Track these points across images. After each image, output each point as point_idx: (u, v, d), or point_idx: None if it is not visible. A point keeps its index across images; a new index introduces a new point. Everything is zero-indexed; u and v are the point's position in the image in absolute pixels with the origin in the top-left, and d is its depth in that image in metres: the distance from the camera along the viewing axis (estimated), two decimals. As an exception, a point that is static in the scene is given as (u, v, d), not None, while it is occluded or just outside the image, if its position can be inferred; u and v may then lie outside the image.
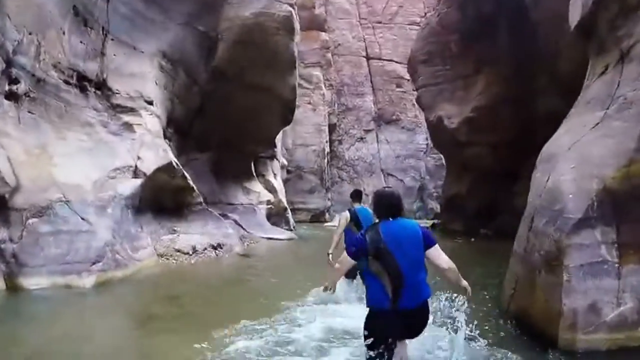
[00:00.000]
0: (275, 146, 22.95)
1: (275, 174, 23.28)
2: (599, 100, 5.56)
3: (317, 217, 31.81)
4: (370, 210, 5.95)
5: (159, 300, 7.68)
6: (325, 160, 33.70)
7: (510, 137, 20.60)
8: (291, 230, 21.74)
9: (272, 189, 21.72)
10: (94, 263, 8.25)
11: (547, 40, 16.44)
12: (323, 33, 36.47)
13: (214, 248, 12.08)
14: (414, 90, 34.45)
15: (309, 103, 33.76)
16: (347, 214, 7.33)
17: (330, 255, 7.01)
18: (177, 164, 11.60)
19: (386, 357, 3.70)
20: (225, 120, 17.71)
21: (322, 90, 34.59)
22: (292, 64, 17.94)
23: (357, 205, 7.52)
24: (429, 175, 38.52)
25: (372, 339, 3.76)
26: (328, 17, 38.76)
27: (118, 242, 9.04)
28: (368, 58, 40.70)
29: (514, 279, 6.37)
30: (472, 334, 4.78)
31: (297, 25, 17.90)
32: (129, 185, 9.97)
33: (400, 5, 41.36)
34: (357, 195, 7.80)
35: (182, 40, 15.03)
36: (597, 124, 5.51)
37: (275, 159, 23.69)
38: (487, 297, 7.49)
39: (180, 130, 15.90)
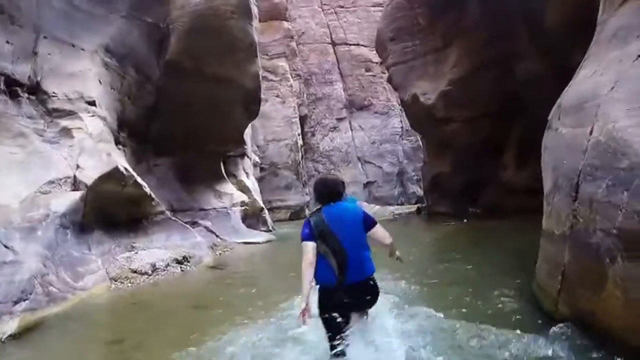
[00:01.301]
0: (244, 143, 21.55)
1: (247, 173, 21.90)
2: (632, 29, 4.36)
3: (297, 214, 30.47)
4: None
5: (92, 349, 6.01)
6: (300, 154, 32.44)
7: (490, 108, 19.65)
8: (270, 231, 20.45)
9: (245, 189, 20.35)
10: (17, 302, 6.51)
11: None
12: (285, 22, 35.20)
13: (179, 262, 10.62)
14: (383, 72, 33.78)
15: (277, 96, 32.50)
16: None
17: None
18: (126, 169, 10.12)
19: (342, 329, 3.94)
20: (185, 119, 16.31)
21: (290, 82, 33.31)
22: (253, 50, 16.57)
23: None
24: (407, 158, 37.85)
25: (326, 315, 3.97)
26: (289, 6, 37.51)
27: (52, 270, 7.43)
28: (334, 44, 39.66)
29: (559, 270, 4.89)
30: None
31: (254, 9, 16.60)
32: (66, 200, 8.43)
33: (362, -13, 40.19)
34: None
35: (127, 33, 13.62)
36: (640, 55, 4.29)
37: (246, 157, 22.29)
38: (518, 289, 6.41)
39: (137, 134, 14.44)
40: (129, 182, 10.08)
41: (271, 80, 32.56)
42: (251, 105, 18.07)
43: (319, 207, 4.15)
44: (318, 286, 4.01)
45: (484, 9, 19.12)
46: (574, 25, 10.44)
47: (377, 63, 37.53)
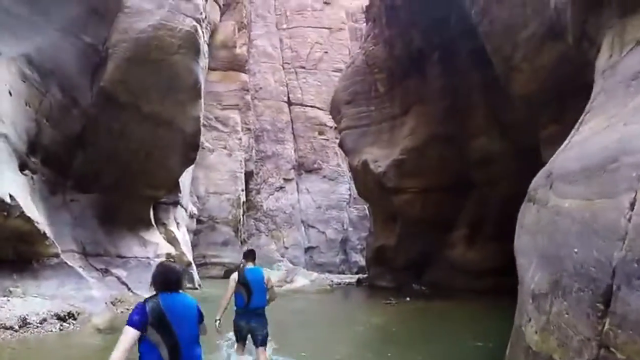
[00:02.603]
0: (179, 191, 19.91)
1: (178, 223, 20.13)
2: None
3: (232, 272, 28.32)
4: (263, 271, 7.00)
5: None
6: (241, 210, 30.83)
7: (442, 182, 18.95)
8: (195, 289, 18.53)
9: (174, 241, 18.57)
10: None
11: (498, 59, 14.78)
12: (243, 74, 34.34)
13: (61, 319, 8.66)
14: (336, 138, 33.25)
15: (225, 147, 31.21)
16: (235, 276, 6.87)
17: (218, 322, 6.57)
18: (12, 197, 8.39)
19: None
20: (116, 156, 14.76)
21: (240, 135, 32.14)
22: (196, 91, 15.31)
23: (249, 265, 6.99)
24: (352, 226, 37.00)
25: None
26: (250, 60, 37.06)
27: None
28: (290, 104, 39.08)
29: None
30: None
31: (204, 46, 15.42)
32: None
33: (325, 51, 40.32)
34: (249, 255, 7.22)
35: (57, 48, 12.25)
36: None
37: (179, 206, 20.59)
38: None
39: (54, 162, 12.68)
40: (13, 214, 8.31)
41: (221, 131, 31.49)
42: (189, 152, 16.61)
43: (154, 294, 3.87)
44: None
45: (445, 79, 18.77)
46: (545, 95, 9.70)
47: (331, 127, 37.19)
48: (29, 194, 10.40)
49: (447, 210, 19.01)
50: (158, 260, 16.18)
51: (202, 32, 14.79)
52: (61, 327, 8.62)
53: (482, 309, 13.94)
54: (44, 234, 9.62)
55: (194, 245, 27.41)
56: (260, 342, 6.64)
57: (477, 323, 11.51)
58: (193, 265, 19.91)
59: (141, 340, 3.71)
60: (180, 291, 3.96)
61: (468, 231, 18.26)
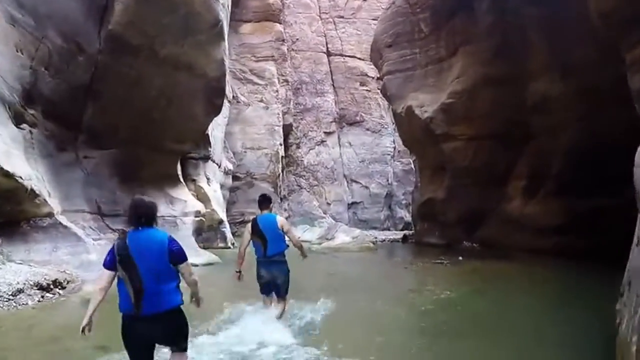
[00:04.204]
0: (209, 145, 18.61)
1: (209, 179, 18.91)
2: None
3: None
4: (276, 216, 6.75)
5: None
6: (280, 166, 29.56)
7: (496, 128, 17.04)
8: (229, 247, 17.44)
9: (204, 198, 17.40)
10: None
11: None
12: (278, 24, 32.44)
13: (44, 288, 7.41)
14: (378, 89, 31.40)
15: (261, 101, 29.74)
16: (249, 226, 6.69)
17: (239, 275, 6.52)
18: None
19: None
20: (132, 107, 13.47)
21: (276, 87, 30.52)
22: (217, 30, 13.70)
23: (264, 212, 6.74)
24: (397, 181, 35.88)
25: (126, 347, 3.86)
26: (286, 11, 35.22)
27: None
28: (329, 54, 37.20)
29: None
30: None
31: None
32: None
33: (364, -1, 37.88)
34: (262, 201, 6.91)
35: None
36: None
37: (210, 161, 19.32)
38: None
39: (60, 115, 11.45)
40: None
41: (256, 83, 30.01)
42: (214, 98, 15.12)
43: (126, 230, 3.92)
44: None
45: (496, 16, 16.58)
46: (633, 8, 7.70)
47: (373, 78, 35.54)
48: (24, 150, 9.23)
49: (501, 160, 17.17)
50: (186, 219, 15.15)
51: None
52: (41, 299, 7.36)
53: (552, 272, 12.21)
54: (32, 191, 8.39)
55: (232, 203, 26.54)
56: (280, 290, 6.55)
57: (554, 290, 9.89)
58: (226, 223, 18.76)
59: (118, 279, 3.79)
60: (154, 227, 3.92)
61: (527, 183, 16.37)
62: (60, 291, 7.67)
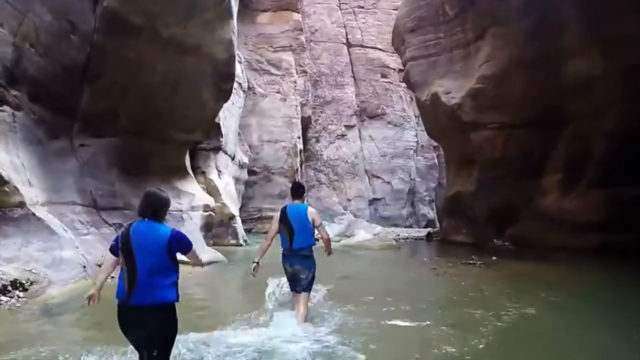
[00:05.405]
0: (221, 135, 17.55)
1: (220, 172, 17.84)
2: None
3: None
4: (308, 207, 6.33)
5: None
6: (298, 159, 28.51)
7: (529, 115, 15.71)
8: (241, 245, 16.36)
9: (214, 191, 16.35)
10: None
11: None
12: (296, 14, 31.45)
13: (0, 291, 6.35)
14: (400, 81, 30.17)
15: (278, 92, 28.74)
16: (277, 215, 6.28)
17: (255, 265, 6.06)
18: None
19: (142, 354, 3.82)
20: (134, 92, 12.47)
21: (294, 77, 29.46)
22: (225, 8, 12.66)
23: (296, 202, 6.39)
24: (420, 177, 34.86)
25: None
26: (304, 1, 34.64)
27: None
28: (349, 45, 36.18)
29: None
30: None
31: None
32: None
33: (385, -11, 36.80)
34: (295, 190, 6.58)
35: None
36: None
37: (222, 152, 18.24)
38: None
39: (52, 99, 10.44)
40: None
41: (273, 74, 29.05)
42: (222, 82, 14.04)
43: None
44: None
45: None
46: None
47: (394, 69, 34.54)
48: (2, 133, 8.22)
49: (535, 150, 15.82)
50: (193, 214, 14.12)
51: None
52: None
53: (606, 275, 10.54)
54: (1, 177, 7.34)
55: (248, 198, 25.59)
56: (303, 287, 6.13)
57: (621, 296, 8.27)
58: (237, 218, 17.63)
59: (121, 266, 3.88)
60: (161, 221, 3.90)
61: (564, 175, 14.96)
62: (20, 294, 6.58)
